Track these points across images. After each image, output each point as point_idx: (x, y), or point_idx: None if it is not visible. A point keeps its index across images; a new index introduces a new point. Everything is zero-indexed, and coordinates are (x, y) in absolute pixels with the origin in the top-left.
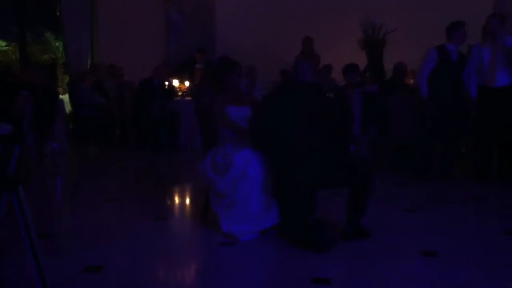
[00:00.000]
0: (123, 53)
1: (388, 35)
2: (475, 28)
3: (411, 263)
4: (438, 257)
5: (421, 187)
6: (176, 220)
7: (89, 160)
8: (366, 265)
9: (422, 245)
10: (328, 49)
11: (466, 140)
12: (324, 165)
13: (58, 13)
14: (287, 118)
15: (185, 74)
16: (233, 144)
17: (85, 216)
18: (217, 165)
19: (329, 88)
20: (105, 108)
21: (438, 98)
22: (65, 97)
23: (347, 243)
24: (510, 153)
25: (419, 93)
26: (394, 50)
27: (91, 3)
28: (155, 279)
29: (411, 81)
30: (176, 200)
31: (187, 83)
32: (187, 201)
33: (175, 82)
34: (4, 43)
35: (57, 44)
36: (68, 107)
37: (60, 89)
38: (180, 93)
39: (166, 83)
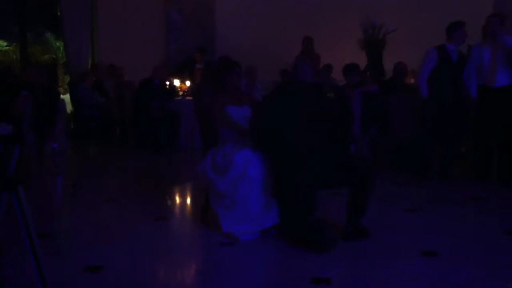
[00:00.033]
0: (123, 53)
1: (388, 35)
2: (475, 28)
3: (411, 263)
4: (438, 257)
5: (421, 187)
6: (176, 220)
7: (89, 160)
8: (366, 265)
9: (422, 245)
10: (328, 49)
11: (466, 140)
12: (324, 165)
13: (58, 13)
14: (287, 118)
15: (185, 74)
16: (233, 144)
17: (85, 216)
18: (217, 165)
19: (329, 88)
20: (105, 108)
21: (438, 98)
22: (66, 97)
23: (347, 243)
24: (510, 153)
25: (419, 93)
26: (394, 50)
27: (91, 3)
28: (155, 279)
29: (412, 81)
30: (176, 200)
31: (188, 83)
32: (187, 201)
33: (176, 82)
34: (4, 43)
35: (57, 44)
36: (69, 107)
37: (61, 89)
38: (181, 93)
39: (167, 82)
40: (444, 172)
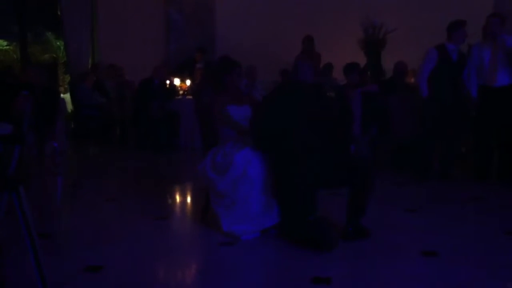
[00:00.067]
0: (124, 53)
1: (388, 35)
2: (475, 28)
3: (411, 263)
4: (438, 257)
5: (421, 187)
6: (176, 220)
7: (89, 160)
8: (366, 265)
9: (422, 245)
10: (328, 49)
11: (466, 140)
12: (324, 165)
13: (58, 13)
14: (287, 118)
15: (185, 74)
16: (233, 144)
17: (85, 216)
18: (217, 165)
19: (330, 87)
20: (106, 108)
21: (438, 98)
22: (66, 97)
23: (347, 243)
24: (510, 153)
25: (419, 93)
26: (394, 50)
27: (92, 2)
28: (155, 279)
29: (412, 80)
30: (176, 200)
31: (188, 82)
32: (187, 201)
33: (176, 81)
34: (5, 43)
35: (57, 43)
36: (69, 107)
37: (61, 89)
38: (181, 92)
39: (168, 82)
40: (444, 172)
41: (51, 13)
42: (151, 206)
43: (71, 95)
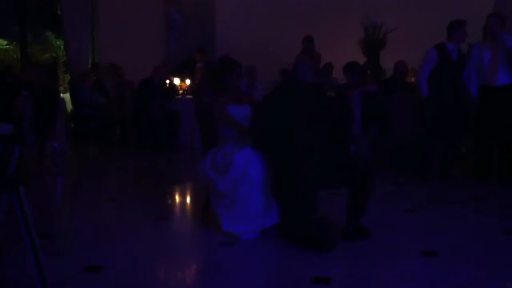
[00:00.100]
0: (124, 53)
1: (388, 35)
2: (475, 28)
3: (411, 263)
4: (438, 257)
5: (421, 187)
6: (176, 220)
7: (89, 160)
8: (366, 265)
9: (422, 245)
10: (328, 48)
11: (466, 140)
12: (324, 165)
13: (58, 12)
14: (287, 118)
15: (185, 74)
16: (233, 144)
17: (85, 216)
18: (218, 165)
19: (330, 87)
20: (106, 108)
21: (438, 97)
22: (66, 96)
23: (347, 243)
24: (510, 153)
25: (419, 92)
26: (394, 50)
27: (92, 2)
28: (155, 279)
29: (412, 80)
30: (176, 200)
31: (188, 81)
32: (187, 201)
33: (176, 81)
34: (4, 43)
35: (57, 43)
36: (69, 107)
37: (61, 88)
38: (181, 92)
39: (167, 81)
40: (444, 172)
41: (51, 13)
42: (151, 206)
43: (71, 95)
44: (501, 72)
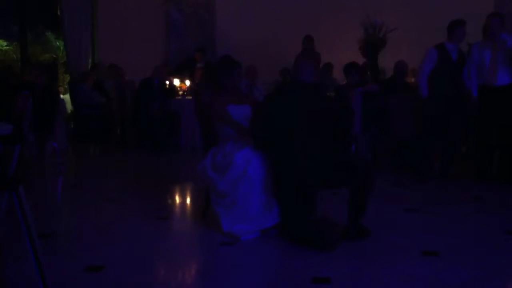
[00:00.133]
0: (124, 53)
1: (388, 35)
2: (475, 28)
3: (411, 263)
4: (438, 257)
5: (421, 187)
6: (177, 220)
7: (89, 160)
8: (366, 265)
9: (422, 245)
10: (328, 48)
11: (466, 140)
12: (324, 165)
13: (58, 13)
14: (287, 118)
15: (185, 74)
16: (233, 143)
17: (85, 216)
18: (218, 164)
19: (330, 87)
20: (106, 108)
21: (438, 97)
22: (66, 97)
23: (347, 242)
24: (510, 153)
25: (419, 92)
26: (395, 50)
27: (92, 2)
28: (155, 279)
29: (412, 80)
30: (177, 200)
31: (188, 82)
32: (188, 201)
33: (176, 81)
34: (5, 43)
35: (57, 43)
36: (69, 107)
37: (61, 89)
38: (181, 92)
39: (167, 82)
40: (444, 172)
41: (51, 13)
42: (151, 206)
43: (70, 95)
44: (502, 72)
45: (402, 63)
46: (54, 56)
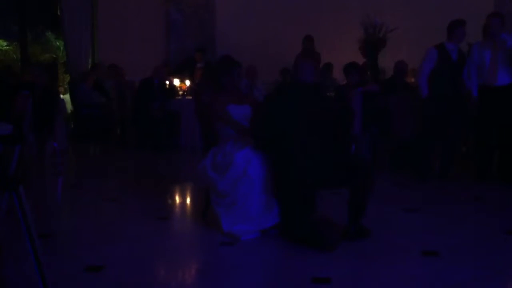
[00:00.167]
0: (124, 53)
1: (388, 34)
2: (475, 28)
3: (411, 263)
4: (438, 257)
5: (421, 187)
6: (177, 220)
7: (89, 160)
8: (366, 265)
9: (422, 245)
10: (328, 48)
11: (466, 140)
12: (324, 165)
13: (58, 13)
14: (287, 118)
15: (185, 74)
16: (233, 143)
17: (85, 216)
18: (218, 164)
19: (330, 87)
20: (106, 108)
21: (438, 97)
22: (66, 97)
23: (347, 242)
24: (511, 153)
25: (419, 92)
26: (395, 50)
27: (92, 2)
28: (155, 279)
29: (412, 80)
30: (177, 200)
31: (188, 82)
32: (188, 201)
33: (176, 82)
34: (4, 43)
35: (57, 43)
36: (69, 107)
37: (61, 89)
38: (181, 92)
39: (167, 82)
40: (444, 172)
41: (51, 13)
42: (151, 206)
43: (70, 95)
44: (502, 72)
45: (402, 63)
46: (54, 56)
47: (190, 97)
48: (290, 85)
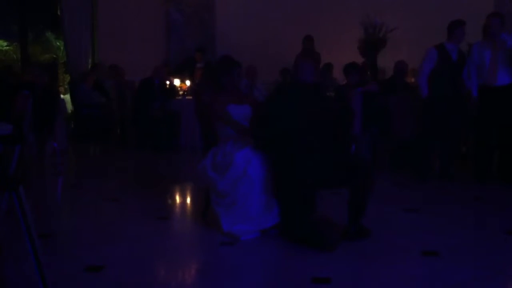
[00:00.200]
0: (124, 53)
1: (389, 34)
2: (475, 28)
3: (411, 263)
4: (438, 257)
5: (421, 187)
6: (177, 220)
7: (89, 160)
8: (366, 265)
9: (422, 245)
10: (328, 48)
11: (466, 140)
12: (324, 165)
13: (58, 13)
14: (287, 118)
15: (185, 74)
16: (233, 143)
17: (85, 216)
18: (218, 164)
19: (330, 87)
20: (106, 108)
21: (438, 97)
22: (66, 97)
23: (347, 242)
24: (511, 153)
25: (419, 92)
26: (395, 50)
27: (92, 2)
28: (155, 279)
29: (412, 80)
30: (177, 200)
31: (188, 82)
32: (188, 201)
33: (176, 81)
34: (5, 43)
35: (57, 43)
36: (69, 107)
37: (61, 89)
38: (181, 92)
39: (167, 82)
40: (444, 172)
41: (51, 13)
42: (151, 206)
43: (70, 95)
44: (501, 72)
45: (402, 63)
46: (54, 56)
47: (190, 97)
48: (290, 85)
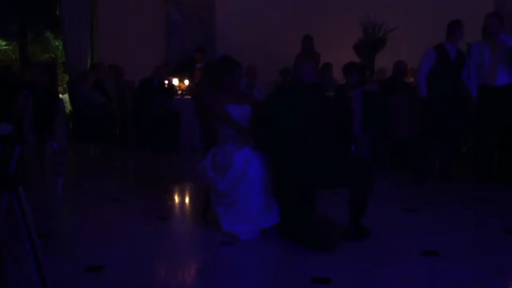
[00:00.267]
0: (124, 53)
1: (388, 34)
2: (475, 28)
3: (411, 263)
4: (438, 257)
5: (421, 187)
6: (177, 219)
7: (89, 160)
8: (366, 265)
9: (422, 245)
10: (328, 48)
11: (466, 140)
12: (324, 165)
13: (58, 12)
14: (287, 118)
15: (185, 74)
16: (233, 143)
17: (85, 216)
18: (218, 164)
19: (329, 87)
20: (106, 108)
21: (438, 97)
22: (65, 97)
23: (347, 242)
24: (511, 153)
25: (419, 92)
26: (394, 50)
27: (92, 2)
28: (155, 279)
29: (412, 80)
30: (177, 199)
31: (186, 82)
32: (188, 201)
33: (175, 81)
34: (4, 43)
35: (57, 43)
36: (68, 107)
37: (60, 89)
38: (180, 92)
39: (166, 82)
40: (444, 172)
41: (51, 13)
42: (151, 206)
43: (70, 95)
44: (501, 72)
45: (401, 63)
46: (53, 56)
47: (189, 97)
48: (290, 85)
